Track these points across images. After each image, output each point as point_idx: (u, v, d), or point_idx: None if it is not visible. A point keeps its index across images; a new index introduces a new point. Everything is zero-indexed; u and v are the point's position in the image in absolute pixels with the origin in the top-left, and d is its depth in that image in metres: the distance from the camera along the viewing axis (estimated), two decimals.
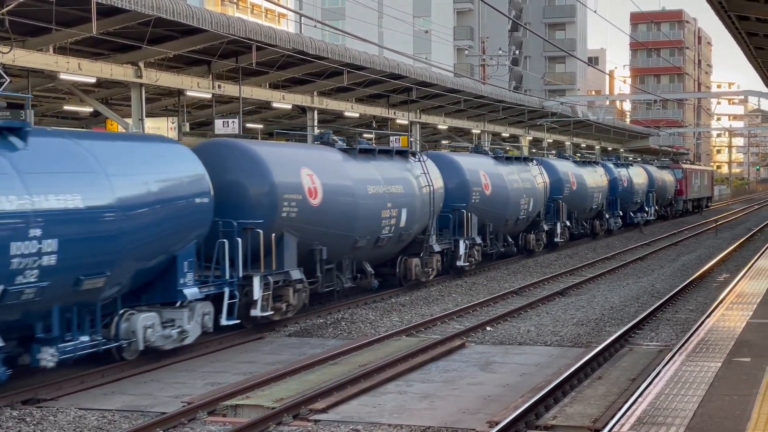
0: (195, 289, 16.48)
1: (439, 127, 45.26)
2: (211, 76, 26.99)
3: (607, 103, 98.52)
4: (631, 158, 60.34)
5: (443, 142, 51.80)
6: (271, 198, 19.03)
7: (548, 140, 58.86)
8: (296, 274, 19.57)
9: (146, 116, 25.08)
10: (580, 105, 64.46)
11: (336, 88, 32.88)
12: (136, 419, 12.72)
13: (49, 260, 13.34)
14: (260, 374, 15.03)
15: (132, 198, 15.01)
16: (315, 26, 54.71)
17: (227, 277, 17.36)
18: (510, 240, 33.18)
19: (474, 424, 12.15)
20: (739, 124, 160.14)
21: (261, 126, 38.95)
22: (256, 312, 18.38)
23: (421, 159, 25.88)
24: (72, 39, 21.62)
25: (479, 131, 49.21)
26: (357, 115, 37.13)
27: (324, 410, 12.86)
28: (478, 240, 29.18)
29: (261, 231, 18.38)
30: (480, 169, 30.10)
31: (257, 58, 25.35)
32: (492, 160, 32.30)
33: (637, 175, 52.02)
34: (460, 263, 27.92)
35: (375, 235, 22.78)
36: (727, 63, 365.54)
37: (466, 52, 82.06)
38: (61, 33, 21.07)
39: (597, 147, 70.96)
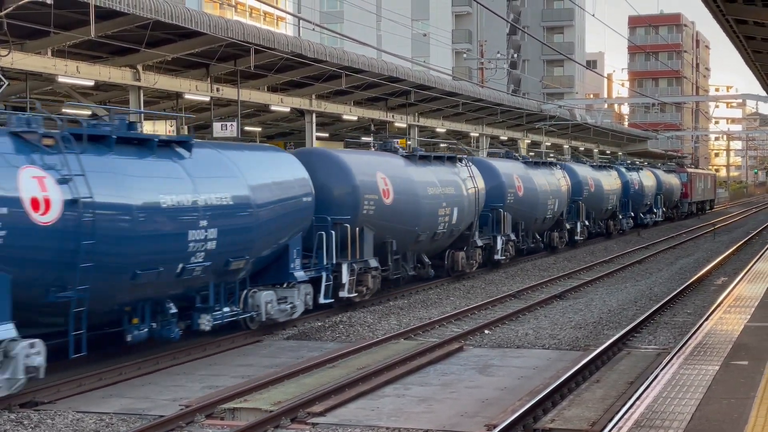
0: (302, 272, 20.02)
1: (438, 130, 45.31)
2: (209, 79, 27.00)
3: (606, 106, 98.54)
4: (638, 162, 61.73)
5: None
6: (354, 197, 22.35)
7: (546, 143, 58.88)
8: (373, 262, 22.98)
9: (144, 119, 25.09)
10: (579, 108, 64.58)
11: (334, 91, 32.89)
12: (134, 422, 12.71)
13: (211, 245, 16.70)
14: (258, 377, 15.03)
15: (262, 197, 18.38)
16: (313, 29, 54.77)
17: (324, 263, 20.96)
18: (538, 237, 36.08)
19: (472, 427, 12.15)
20: (737, 128, 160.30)
21: (259, 129, 38.98)
22: (344, 293, 21.70)
23: (467, 164, 29.20)
24: (70, 42, 21.64)
25: (477, 134, 49.24)
26: (355, 118, 37.16)
27: (322, 413, 12.86)
28: (512, 236, 32.41)
29: (348, 225, 21.85)
30: (513, 173, 33.25)
31: (255, 61, 25.37)
32: (522, 164, 35.30)
33: (646, 179, 54.54)
34: (497, 257, 31.06)
35: (433, 230, 26.05)
36: (725, 66, 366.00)
37: (465, 55, 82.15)
38: (60, 36, 21.09)
39: (595, 150, 71.01)
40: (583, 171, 42.69)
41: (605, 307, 22.98)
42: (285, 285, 19.58)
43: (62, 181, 14.19)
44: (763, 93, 43.87)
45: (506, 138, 54.16)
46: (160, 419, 12.51)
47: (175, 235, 15.97)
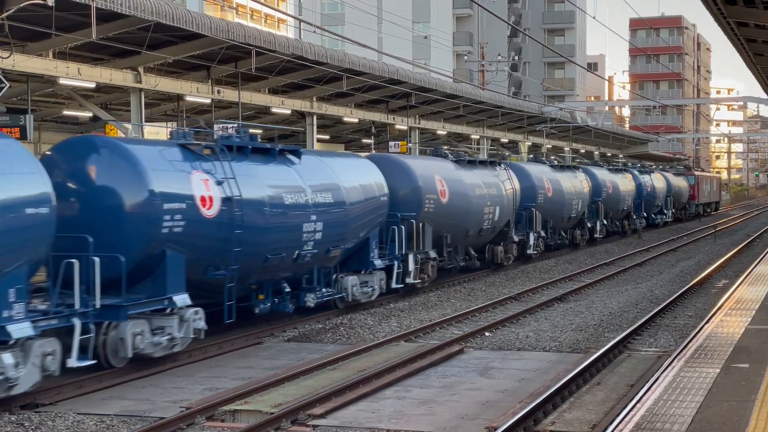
0: (380, 261, 23.55)
1: (438, 132, 45.30)
2: (210, 81, 27.01)
3: (606, 108, 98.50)
4: (648, 165, 64.09)
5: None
6: (417, 196, 25.71)
7: (547, 146, 58.88)
8: (432, 253, 26.31)
9: (145, 121, 25.09)
10: (579, 111, 64.60)
11: (335, 94, 32.90)
12: (135, 424, 12.71)
13: (318, 236, 20.42)
14: (258, 379, 15.03)
15: (353, 197, 22.08)
16: (314, 31, 54.78)
17: (396, 253, 24.27)
18: (563, 234, 39.63)
19: (472, 429, 12.15)
20: (738, 130, 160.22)
21: (260, 131, 39.01)
22: (410, 279, 25.00)
23: (505, 167, 32.92)
24: (72, 44, 21.64)
25: (478, 137, 49.25)
26: (356, 120, 37.17)
27: (322, 416, 12.86)
28: (543, 233, 35.82)
29: (413, 221, 25.15)
30: (543, 176, 36.78)
31: (256, 63, 25.38)
32: (549, 168, 38.72)
33: (657, 181, 57.57)
34: (529, 251, 34.34)
35: (479, 226, 29.59)
36: (726, 69, 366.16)
37: (466, 57, 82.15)
38: (61, 38, 21.09)
39: (596, 153, 71.00)
40: (602, 174, 45.71)
41: (606, 309, 22.98)
42: (364, 272, 23.06)
43: (219, 182, 17.69)
44: (764, 95, 43.89)
45: (507, 140, 54.15)
46: (161, 421, 12.52)
47: (294, 227, 19.72)
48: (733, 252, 38.42)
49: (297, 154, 20.92)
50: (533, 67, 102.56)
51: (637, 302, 24.26)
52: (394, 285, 24.25)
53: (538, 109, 50.95)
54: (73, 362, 14.31)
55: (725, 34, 18.92)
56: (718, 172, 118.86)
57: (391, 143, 29.97)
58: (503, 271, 31.54)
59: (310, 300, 20.92)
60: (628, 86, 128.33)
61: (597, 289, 27.51)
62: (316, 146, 33.16)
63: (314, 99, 32.64)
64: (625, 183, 49.14)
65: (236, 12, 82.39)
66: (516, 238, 33.02)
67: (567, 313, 22.60)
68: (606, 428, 10.28)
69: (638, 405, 10.56)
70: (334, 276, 22.04)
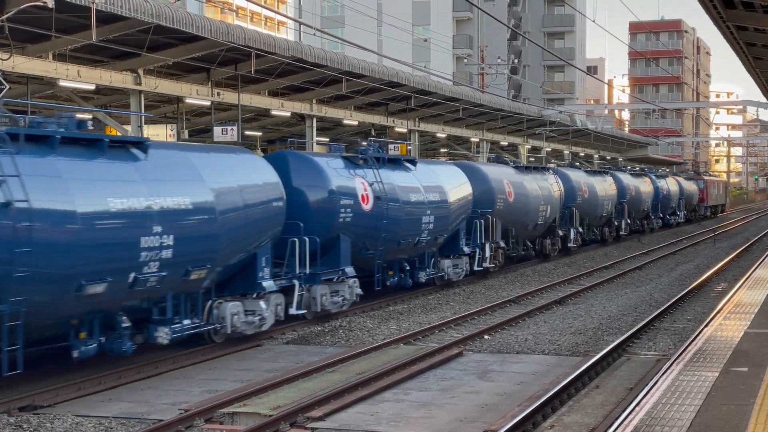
0: (467, 248, 28.84)
1: (438, 135, 45.29)
2: (210, 83, 27.01)
3: (606, 112, 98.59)
4: (663, 171, 70.34)
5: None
6: (490, 196, 31.03)
7: (547, 149, 58.91)
8: (502, 243, 31.38)
9: (145, 123, 25.09)
10: (579, 114, 64.65)
11: (335, 96, 32.90)
12: (133, 426, 12.71)
13: (431, 227, 26.05)
14: (257, 382, 15.03)
15: (452, 197, 27.53)
16: (314, 34, 54.74)
17: (479, 241, 29.57)
18: (596, 231, 45.45)
19: None
20: (737, 134, 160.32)
21: (260, 133, 38.99)
22: (486, 264, 30.03)
23: (553, 172, 38.66)
24: (71, 46, 21.63)
25: (478, 140, 49.25)
26: (356, 122, 37.16)
27: (321, 418, 12.86)
28: (581, 229, 41.64)
29: (489, 216, 30.39)
30: (580, 179, 42.60)
31: (256, 65, 25.37)
32: (584, 173, 44.70)
33: (672, 185, 63.02)
34: (570, 245, 39.98)
35: (535, 221, 34.99)
36: (726, 73, 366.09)
37: (465, 60, 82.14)
38: (61, 40, 21.09)
39: (595, 156, 70.99)
40: (625, 179, 51.24)
41: (605, 312, 22.98)
42: (453, 256, 28.15)
43: (371, 184, 23.37)
44: (763, 99, 43.91)
45: (506, 143, 54.16)
46: (160, 423, 12.51)
47: (416, 219, 25.08)
48: (733, 256, 38.43)
49: (413, 162, 26.61)
50: (533, 70, 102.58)
51: (636, 305, 24.25)
52: (475, 267, 29.38)
53: (538, 112, 50.93)
54: (293, 311, 20.19)
55: (725, 38, 18.93)
56: (718, 176, 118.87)
57: (391, 146, 29.98)
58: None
59: (422, 277, 25.87)
60: (627, 89, 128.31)
61: (596, 293, 27.51)
62: (316, 149, 33.12)
63: (314, 101, 32.63)
64: (644, 186, 54.63)
65: (236, 14, 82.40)
66: (561, 233, 38.86)
67: (566, 316, 22.60)
68: None
69: (637, 408, 10.56)
70: (435, 259, 27.07)
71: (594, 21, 35.40)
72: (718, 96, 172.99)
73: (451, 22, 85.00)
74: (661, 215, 59.53)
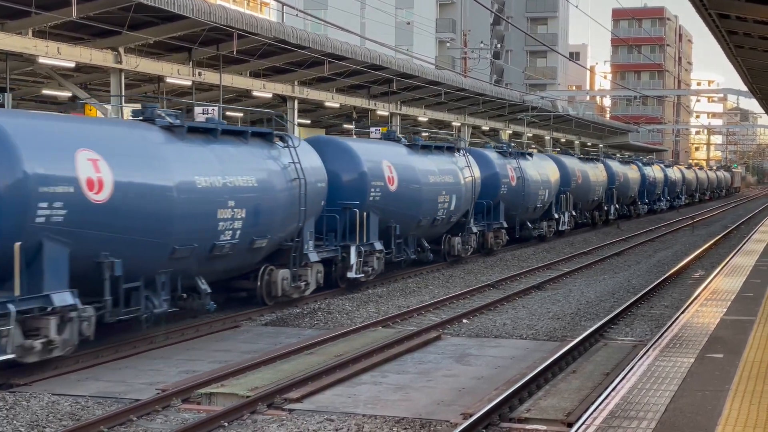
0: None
1: (420, 119, 45.28)
2: (191, 63, 26.88)
3: (588, 98, 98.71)
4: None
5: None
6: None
7: (528, 134, 59.00)
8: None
9: (125, 102, 24.94)
10: (561, 100, 64.86)
11: (317, 78, 32.82)
12: (110, 406, 12.68)
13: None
14: (235, 363, 15.02)
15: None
16: (297, 15, 54.53)
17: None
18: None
19: (448, 415, 12.18)
20: (717, 122, 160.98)
21: (241, 114, 38.85)
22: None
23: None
24: (51, 23, 21.48)
25: (459, 124, 49.26)
26: (337, 105, 37.10)
27: (298, 400, 12.86)
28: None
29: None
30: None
31: (238, 46, 25.28)
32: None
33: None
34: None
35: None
36: (707, 61, 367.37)
37: (448, 44, 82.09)
38: (41, 17, 20.93)
39: (576, 142, 71.16)
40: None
41: (583, 298, 23.07)
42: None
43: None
44: (744, 88, 44.07)
45: (488, 128, 54.20)
46: (136, 403, 12.49)
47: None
48: (711, 243, 38.62)
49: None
50: (515, 55, 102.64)
51: (614, 291, 24.36)
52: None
53: (520, 98, 51.01)
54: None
55: (707, 26, 18.94)
56: (697, 164, 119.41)
57: (372, 129, 29.81)
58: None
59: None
60: (609, 76, 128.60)
61: (575, 278, 27.61)
62: (297, 131, 33.05)
63: (296, 83, 32.54)
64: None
65: None
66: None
67: (544, 301, 22.68)
68: (581, 416, 10.32)
69: (613, 393, 10.62)
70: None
71: (577, 7, 35.47)
72: (699, 84, 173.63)
73: (435, 6, 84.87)
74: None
